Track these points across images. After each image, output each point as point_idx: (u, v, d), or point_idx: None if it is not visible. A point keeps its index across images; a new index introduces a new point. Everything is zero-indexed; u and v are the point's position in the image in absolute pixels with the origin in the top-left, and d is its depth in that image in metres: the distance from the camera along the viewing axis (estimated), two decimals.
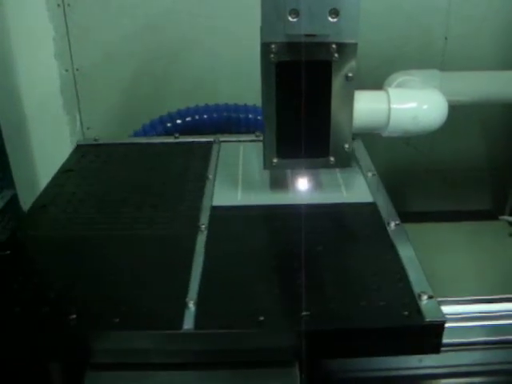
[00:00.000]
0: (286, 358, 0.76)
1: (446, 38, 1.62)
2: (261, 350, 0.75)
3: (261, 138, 1.18)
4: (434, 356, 0.95)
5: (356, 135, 1.20)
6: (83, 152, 1.26)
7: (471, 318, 0.96)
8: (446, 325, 0.89)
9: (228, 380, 0.76)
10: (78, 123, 1.69)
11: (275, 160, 0.99)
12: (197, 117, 1.48)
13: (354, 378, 0.97)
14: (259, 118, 1.46)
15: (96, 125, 1.69)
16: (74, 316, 0.75)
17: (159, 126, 1.47)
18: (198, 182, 1.09)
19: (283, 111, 0.95)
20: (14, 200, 1.47)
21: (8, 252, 0.90)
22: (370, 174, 1.11)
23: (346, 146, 0.99)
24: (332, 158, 1.00)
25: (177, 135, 1.32)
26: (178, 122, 1.46)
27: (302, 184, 1.08)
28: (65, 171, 1.18)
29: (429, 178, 1.76)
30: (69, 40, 1.59)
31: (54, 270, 0.87)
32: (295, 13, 0.84)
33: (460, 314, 0.95)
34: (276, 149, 0.98)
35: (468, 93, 1.24)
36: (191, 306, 0.75)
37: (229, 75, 1.61)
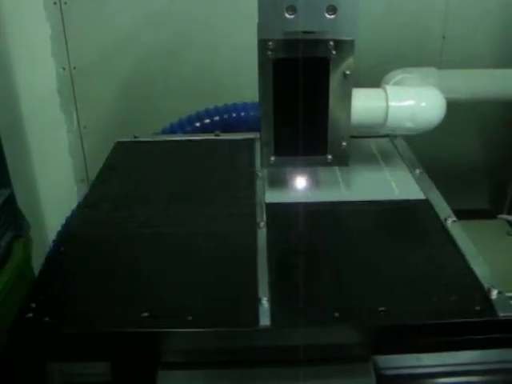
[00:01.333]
0: (360, 354, 0.76)
1: (443, 37, 1.62)
2: (336, 346, 0.75)
3: None
4: (432, 355, 0.96)
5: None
6: (124, 149, 1.25)
7: None
8: None
9: (303, 377, 0.75)
10: (75, 122, 1.68)
11: (273, 158, 0.99)
12: (234, 114, 1.47)
13: None
14: None
15: (93, 124, 1.68)
16: (146, 314, 0.74)
17: (196, 121, 1.46)
18: (248, 179, 1.09)
19: (281, 109, 0.94)
20: (10, 199, 1.46)
21: (62, 249, 0.90)
22: (417, 172, 1.13)
23: (344, 143, 0.98)
24: (330, 156, 0.99)
25: (217, 133, 1.32)
26: (216, 118, 1.46)
27: (351, 181, 1.09)
28: (109, 168, 1.17)
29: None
30: (66, 38, 1.59)
31: (118, 269, 0.86)
32: (292, 9, 0.84)
33: None
34: (274, 147, 0.98)
35: (465, 91, 1.24)
36: (264, 302, 0.75)
37: (227, 73, 1.60)
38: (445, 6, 1.58)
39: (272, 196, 1.04)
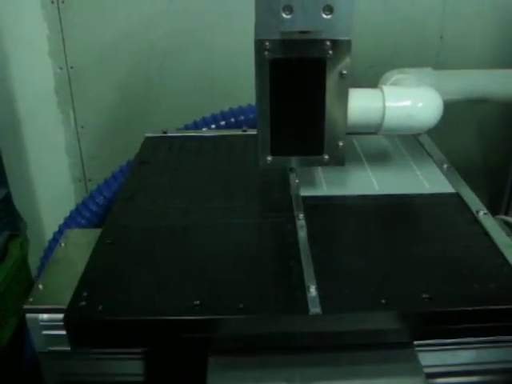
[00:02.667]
0: (405, 340, 0.80)
1: (441, 38, 1.62)
2: (383, 332, 0.78)
3: None
4: (430, 355, 0.96)
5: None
6: (154, 144, 1.27)
7: None
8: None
9: (350, 362, 0.78)
10: (72, 121, 1.68)
11: (269, 157, 0.99)
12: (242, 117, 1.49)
13: None
14: None
15: (90, 123, 1.68)
16: (198, 302, 0.76)
17: (221, 120, 1.48)
18: (282, 173, 1.11)
19: (277, 108, 0.94)
20: (7, 199, 1.46)
21: (108, 241, 0.92)
22: (445, 166, 1.16)
23: (341, 143, 0.98)
24: (326, 156, 0.99)
25: (245, 128, 1.34)
26: (241, 118, 1.48)
27: (382, 176, 1.11)
28: (141, 163, 1.19)
29: None
30: (63, 38, 1.59)
31: (164, 258, 0.88)
32: (289, 9, 0.83)
33: None
34: (270, 146, 0.98)
35: (462, 91, 1.24)
36: (312, 290, 0.77)
37: (225, 73, 1.61)
38: (442, 7, 1.58)
39: (307, 189, 1.06)
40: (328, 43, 0.89)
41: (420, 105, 1.02)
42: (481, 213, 0.97)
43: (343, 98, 0.95)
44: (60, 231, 1.50)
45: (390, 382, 0.77)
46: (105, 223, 0.98)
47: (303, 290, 0.78)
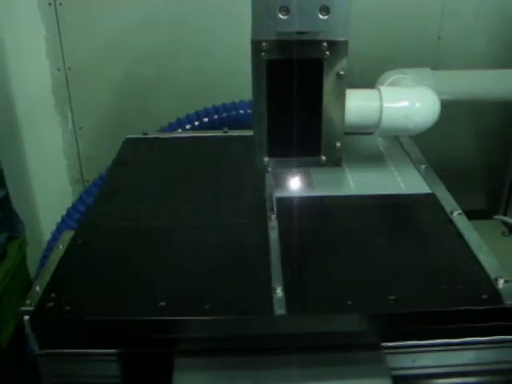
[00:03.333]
0: (372, 342, 0.79)
1: (439, 38, 1.62)
2: (349, 334, 0.78)
3: None
4: (427, 356, 0.96)
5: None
6: (134, 145, 1.28)
7: None
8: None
9: (317, 363, 0.78)
10: (70, 123, 1.68)
11: (266, 159, 0.99)
12: (242, 111, 1.50)
13: None
14: None
15: (88, 125, 1.68)
16: (163, 303, 0.76)
17: (204, 117, 1.50)
18: (257, 174, 1.10)
19: (274, 110, 0.94)
20: (5, 200, 1.46)
21: (80, 242, 0.92)
22: (423, 167, 1.15)
23: (338, 144, 0.98)
24: (323, 157, 0.99)
25: (225, 129, 1.34)
26: (224, 115, 1.49)
27: (359, 176, 1.11)
28: (119, 164, 1.20)
29: None
30: (60, 39, 1.58)
31: (133, 260, 0.88)
32: (285, 10, 0.83)
33: None
34: (267, 148, 0.98)
35: (460, 91, 1.24)
36: (279, 291, 0.77)
37: (221, 75, 1.60)
38: (440, 7, 1.58)
39: (281, 191, 1.06)
40: (325, 44, 0.89)
41: (417, 105, 1.02)
42: (455, 213, 0.97)
43: (340, 99, 0.95)
44: (58, 229, 1.51)
45: (354, 383, 0.77)
46: (79, 224, 0.98)
47: (270, 291, 0.77)
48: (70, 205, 1.59)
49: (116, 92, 1.64)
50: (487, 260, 0.84)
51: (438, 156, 1.72)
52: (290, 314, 0.74)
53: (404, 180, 1.11)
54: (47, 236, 1.61)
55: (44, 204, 1.76)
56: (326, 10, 0.84)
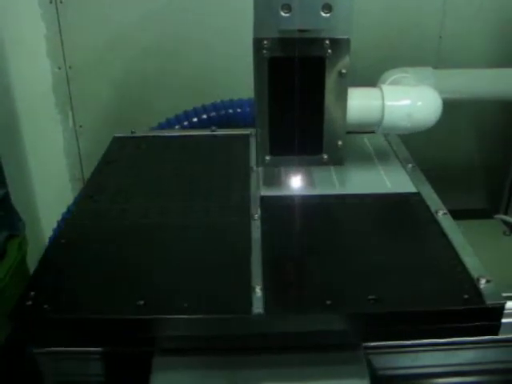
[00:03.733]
0: (352, 342, 0.80)
1: (440, 37, 1.62)
2: (328, 334, 0.77)
3: None
4: (428, 355, 0.96)
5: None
6: (122, 144, 1.28)
7: None
8: None
9: (295, 363, 0.78)
10: (71, 121, 1.68)
11: (268, 157, 0.99)
12: (231, 110, 1.49)
13: None
14: None
15: (88, 123, 1.68)
16: (142, 302, 0.75)
17: (193, 117, 1.49)
18: (243, 173, 1.11)
19: (276, 108, 0.94)
20: (5, 198, 1.45)
21: (63, 241, 0.92)
22: (409, 166, 1.14)
23: (340, 143, 0.98)
24: (325, 156, 0.99)
25: (213, 128, 1.33)
26: (213, 114, 1.48)
27: (345, 175, 1.11)
28: (107, 162, 1.19)
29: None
30: (61, 38, 1.58)
31: (114, 258, 0.88)
32: (288, 8, 0.83)
33: None
34: (269, 146, 0.98)
35: (462, 90, 1.24)
36: (258, 290, 0.76)
37: (223, 72, 1.60)
38: (442, 6, 1.58)
39: (267, 189, 1.05)
40: (327, 42, 0.89)
41: (419, 104, 1.02)
42: (440, 213, 0.96)
43: (342, 97, 0.95)
44: (59, 227, 1.50)
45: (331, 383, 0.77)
46: (64, 222, 0.98)
47: (249, 290, 0.77)
48: (70, 203, 1.58)
49: (117, 90, 1.63)
50: (470, 260, 0.83)
51: (439, 155, 1.74)
52: (268, 313, 0.73)
53: (390, 179, 1.10)
54: (48, 234, 1.61)
55: (44, 202, 1.76)
56: (328, 7, 0.84)
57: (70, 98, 1.65)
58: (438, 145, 1.70)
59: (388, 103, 1.00)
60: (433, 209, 0.98)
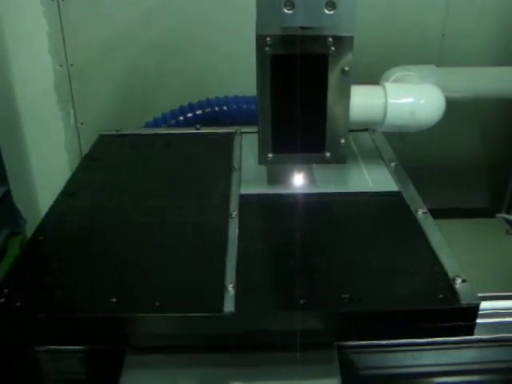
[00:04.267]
0: (325, 341, 0.79)
1: (443, 35, 1.61)
2: (300, 333, 0.76)
3: None
4: (430, 354, 0.95)
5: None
6: (106, 141, 1.28)
7: None
8: None
9: (267, 362, 0.78)
10: (72, 118, 1.68)
11: (270, 155, 0.98)
12: (217, 108, 1.49)
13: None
14: None
15: (90, 120, 1.68)
16: (114, 300, 0.75)
17: (179, 115, 1.49)
18: (225, 171, 1.11)
19: (278, 105, 0.94)
20: (6, 196, 1.45)
21: (41, 238, 0.92)
22: (392, 164, 1.13)
23: (342, 141, 0.98)
24: (328, 154, 0.99)
25: (198, 126, 1.33)
26: (198, 112, 1.48)
27: (327, 173, 1.09)
28: (90, 160, 1.19)
29: (425, 175, 1.75)
30: (63, 35, 1.58)
31: (89, 257, 0.88)
32: (291, 5, 0.83)
33: None
34: (271, 143, 0.97)
35: (465, 89, 1.23)
36: (230, 289, 0.76)
37: (226, 70, 1.60)
38: (444, 4, 1.58)
39: (247, 187, 1.05)
40: (330, 39, 0.89)
41: (422, 102, 1.01)
42: (420, 212, 0.95)
43: (345, 95, 0.94)
44: None
45: (301, 383, 0.77)
46: (42, 219, 0.98)
47: (222, 289, 0.77)
48: None
49: (118, 88, 1.63)
50: (448, 260, 0.83)
51: (441, 154, 1.73)
52: (239, 311, 0.73)
53: (372, 177, 1.09)
54: None
55: (46, 200, 1.75)
56: (331, 5, 0.83)
57: (72, 96, 1.65)
58: (439, 143, 1.69)
59: (391, 101, 1.00)
60: (413, 208, 0.97)
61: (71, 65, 1.61)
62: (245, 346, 0.78)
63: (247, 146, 1.22)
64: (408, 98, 1.01)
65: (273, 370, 0.78)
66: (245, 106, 1.49)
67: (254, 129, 1.27)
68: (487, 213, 1.48)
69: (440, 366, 0.97)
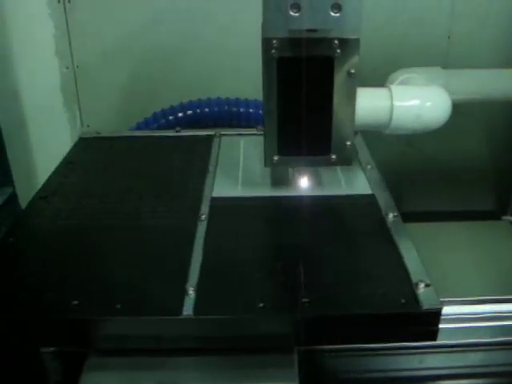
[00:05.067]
0: (284, 345, 0.78)
1: (448, 37, 1.61)
2: (260, 337, 0.76)
3: (262, 132, 1.21)
4: (436, 357, 0.95)
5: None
6: (86, 144, 1.28)
7: (474, 319, 0.95)
8: (450, 326, 0.89)
9: (226, 366, 0.77)
10: (78, 121, 1.68)
11: (276, 157, 0.98)
12: (198, 110, 1.49)
13: (354, 379, 0.97)
14: (260, 112, 1.47)
15: (96, 122, 1.68)
16: (76, 302, 0.75)
17: (161, 118, 1.49)
18: (200, 174, 1.11)
19: (284, 108, 0.94)
20: (12, 198, 1.46)
21: (11, 239, 0.92)
22: (368, 167, 1.12)
23: (348, 143, 0.97)
24: (333, 156, 0.99)
25: (178, 129, 1.33)
26: (180, 115, 1.48)
27: (302, 176, 1.08)
28: (67, 163, 1.19)
29: (431, 178, 1.74)
30: (69, 37, 1.59)
31: (56, 258, 0.88)
32: (297, 7, 0.83)
33: (463, 314, 0.95)
34: (277, 146, 0.97)
35: (471, 91, 1.23)
36: (191, 292, 0.76)
37: (230, 72, 1.60)
38: (450, 6, 1.57)
39: (220, 190, 1.05)
40: (336, 42, 0.89)
41: (428, 104, 1.01)
42: (390, 215, 0.94)
43: (351, 97, 0.94)
44: None
45: None
46: (12, 222, 0.99)
47: (183, 292, 0.77)
48: None
49: (124, 90, 1.64)
50: (413, 264, 0.82)
51: (447, 157, 1.73)
52: (197, 314, 0.73)
53: (347, 180, 1.09)
54: None
55: None
56: (337, 7, 0.83)
57: (78, 98, 1.65)
58: (445, 146, 1.69)
59: (397, 103, 0.99)
60: (384, 211, 0.96)
61: (77, 67, 1.62)
62: (204, 349, 0.78)
63: (225, 149, 1.23)
64: (414, 101, 1.01)
65: (230, 374, 0.78)
66: (226, 108, 1.50)
67: (234, 131, 1.31)
68: (493, 215, 1.48)
69: (447, 369, 0.97)
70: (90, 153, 1.24)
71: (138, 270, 0.83)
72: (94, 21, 1.57)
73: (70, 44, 1.59)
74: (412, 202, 1.74)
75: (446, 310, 0.93)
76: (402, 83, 1.12)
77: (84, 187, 1.09)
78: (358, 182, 1.08)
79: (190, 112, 1.49)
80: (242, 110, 1.48)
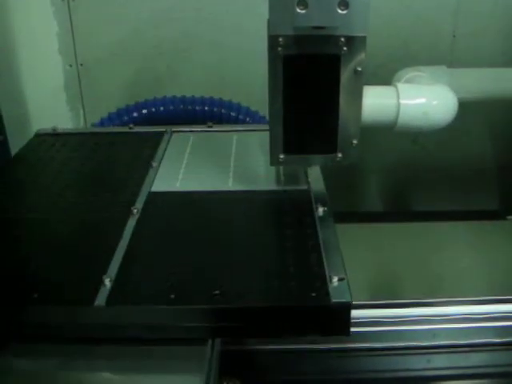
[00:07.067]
0: (199, 336, 0.78)
1: (454, 36, 1.61)
2: (171, 328, 0.77)
3: (213, 129, 1.29)
4: (441, 357, 0.95)
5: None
6: (40, 141, 1.29)
7: (478, 319, 0.95)
8: (454, 326, 0.88)
9: (136, 356, 0.78)
10: (82, 119, 1.68)
11: (282, 156, 0.98)
12: (153, 109, 1.50)
13: (359, 379, 0.97)
14: (215, 109, 1.49)
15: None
16: None
17: (116, 119, 1.51)
18: (143, 169, 1.12)
19: (290, 105, 0.93)
20: None
21: None
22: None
23: (355, 141, 0.97)
24: (340, 154, 0.98)
25: (131, 126, 1.35)
26: (135, 114, 1.50)
27: (241, 171, 1.10)
28: (18, 159, 1.22)
29: (436, 177, 1.74)
30: (73, 35, 1.59)
31: None
32: (304, 4, 0.82)
33: (466, 314, 0.94)
34: (283, 144, 0.97)
35: (476, 90, 1.23)
36: (107, 283, 0.78)
37: (235, 71, 1.60)
38: (455, 4, 1.57)
39: (159, 185, 1.06)
40: (343, 39, 0.88)
41: (435, 103, 1.01)
42: (320, 210, 0.95)
43: (357, 95, 0.94)
44: None
45: (162, 378, 0.77)
46: None
47: (99, 282, 0.79)
48: None
49: (128, 88, 1.64)
50: (332, 258, 0.82)
51: (451, 156, 1.73)
52: (109, 304, 0.75)
53: (285, 175, 1.09)
54: None
55: None
56: (345, 4, 0.83)
57: (82, 96, 1.65)
58: (450, 145, 1.69)
59: (403, 102, 0.99)
60: (315, 206, 0.97)
61: (81, 65, 1.62)
62: (116, 338, 0.79)
63: (173, 145, 1.24)
64: (421, 99, 1.00)
65: (140, 364, 0.78)
66: (182, 107, 1.50)
67: (187, 128, 1.32)
68: (498, 215, 1.48)
69: (454, 369, 0.97)
70: (42, 149, 1.25)
71: (59, 261, 0.86)
72: (98, 19, 1.57)
73: (73, 42, 1.59)
74: (415, 202, 1.75)
75: (452, 310, 0.94)
76: (408, 82, 1.12)
77: (28, 183, 1.11)
78: (295, 178, 1.09)
79: (144, 111, 1.51)
80: (197, 108, 1.50)
